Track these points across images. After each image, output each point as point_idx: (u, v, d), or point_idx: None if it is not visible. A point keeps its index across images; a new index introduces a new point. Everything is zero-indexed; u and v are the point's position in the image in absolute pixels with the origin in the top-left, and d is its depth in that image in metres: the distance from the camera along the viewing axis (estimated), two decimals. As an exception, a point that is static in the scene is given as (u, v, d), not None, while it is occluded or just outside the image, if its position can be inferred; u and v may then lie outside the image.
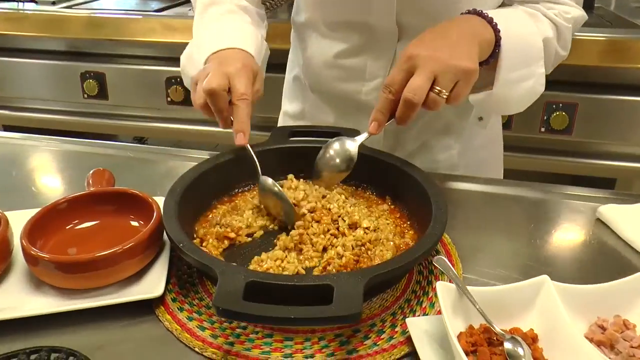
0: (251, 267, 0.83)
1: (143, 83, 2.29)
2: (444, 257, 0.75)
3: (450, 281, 0.72)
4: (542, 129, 1.95)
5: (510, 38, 0.93)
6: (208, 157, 1.01)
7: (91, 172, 1.00)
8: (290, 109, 1.35)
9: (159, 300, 0.80)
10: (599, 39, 1.80)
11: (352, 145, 0.94)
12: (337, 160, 0.95)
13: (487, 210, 1.06)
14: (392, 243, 0.86)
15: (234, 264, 0.84)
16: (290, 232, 0.87)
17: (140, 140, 3.48)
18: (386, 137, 1.20)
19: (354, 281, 0.68)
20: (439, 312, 0.75)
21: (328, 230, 0.87)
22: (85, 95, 2.34)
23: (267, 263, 0.82)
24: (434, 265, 0.86)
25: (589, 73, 1.88)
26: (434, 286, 0.83)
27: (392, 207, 0.97)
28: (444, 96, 0.85)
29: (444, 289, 0.69)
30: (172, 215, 0.82)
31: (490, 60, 0.94)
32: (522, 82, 0.98)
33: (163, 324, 0.77)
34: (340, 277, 0.69)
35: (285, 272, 0.81)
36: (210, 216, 0.95)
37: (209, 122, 2.38)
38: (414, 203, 0.94)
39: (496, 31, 0.92)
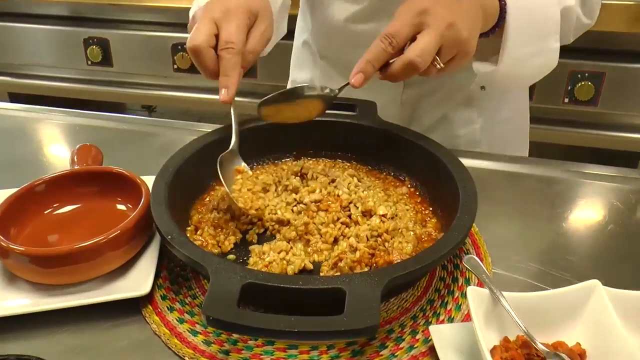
0: (251, 260, 0.73)
1: (148, 50, 2.19)
2: (474, 257, 0.64)
3: (480, 284, 0.62)
4: (566, 100, 1.84)
5: (520, 9, 0.82)
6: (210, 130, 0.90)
7: (76, 147, 0.90)
8: (299, 78, 1.24)
9: (147, 299, 0.70)
10: (629, 3, 1.66)
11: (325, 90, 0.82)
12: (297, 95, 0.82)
13: (513, 193, 0.95)
14: (412, 233, 0.75)
15: (231, 258, 0.74)
16: (293, 222, 0.77)
17: (149, 108, 3.40)
18: (403, 109, 1.09)
19: (369, 285, 0.57)
20: (467, 317, 0.65)
21: (338, 218, 0.76)
22: (89, 62, 2.26)
23: (269, 256, 0.72)
24: (459, 259, 0.76)
25: (617, 40, 1.74)
26: (459, 284, 0.72)
27: (412, 190, 0.86)
28: (438, 67, 0.75)
29: (475, 295, 0.58)
30: (161, 201, 0.72)
31: (496, 30, 0.82)
32: (532, 59, 0.87)
33: (150, 327, 0.67)
34: (354, 279, 0.58)
35: (290, 267, 0.71)
36: (207, 199, 0.85)
37: (217, 90, 2.29)
38: (437, 186, 0.83)
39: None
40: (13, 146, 1.11)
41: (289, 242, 0.75)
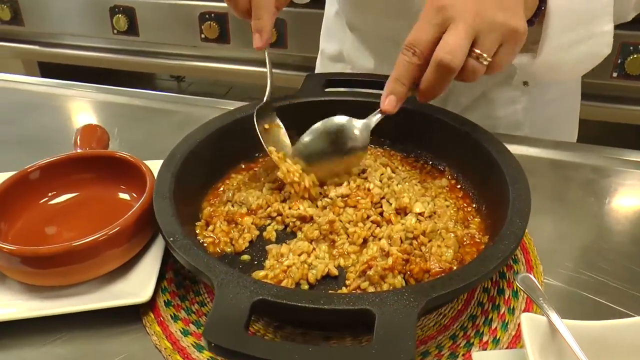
0: (267, 263, 0.64)
1: (175, 19, 2.12)
2: (530, 276, 0.54)
3: (530, 310, 0.52)
4: (615, 74, 1.71)
5: None
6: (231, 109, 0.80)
7: (79, 128, 0.81)
8: (328, 49, 1.13)
9: (149, 305, 0.62)
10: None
11: (358, 124, 0.72)
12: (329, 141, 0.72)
13: (562, 185, 0.83)
14: (452, 236, 0.65)
15: (245, 259, 0.66)
16: (316, 219, 0.68)
17: (178, 78, 3.33)
18: None
19: (404, 306, 0.48)
20: (516, 338, 0.55)
21: (368, 216, 0.67)
22: (115, 31, 2.20)
23: (288, 258, 0.63)
24: (506, 266, 0.66)
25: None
26: (506, 297, 0.63)
27: (453, 182, 0.76)
28: (485, 62, 0.62)
29: (530, 324, 0.48)
30: (164, 194, 0.63)
31: (535, 20, 0.70)
32: (578, 46, 0.74)
33: (151, 338, 0.59)
34: (385, 299, 0.49)
35: (312, 272, 0.62)
36: (222, 189, 0.76)
37: (247, 61, 2.23)
38: (482, 179, 0.72)
39: None
40: (20, 123, 1.04)
41: (311, 243, 0.66)
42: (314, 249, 0.65)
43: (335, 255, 0.65)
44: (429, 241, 0.64)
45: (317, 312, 0.49)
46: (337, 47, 1.10)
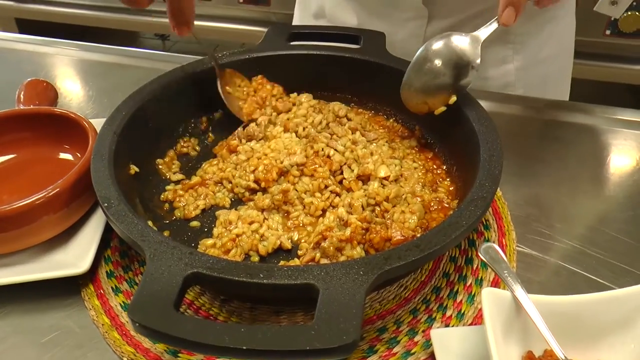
0: (215, 230, 0.59)
1: (155, -26, 2.06)
2: (494, 245, 0.48)
3: (499, 282, 0.47)
4: (608, 32, 1.67)
5: None
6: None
7: (24, 83, 0.75)
8: (307, 5, 1.05)
9: (88, 276, 0.57)
10: None
11: (466, 43, 0.63)
12: (442, 68, 0.63)
13: (549, 147, 0.77)
14: (418, 201, 0.60)
15: (194, 225, 0.61)
16: (269, 189, 0.62)
17: (162, 37, 3.24)
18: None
19: (351, 280, 0.43)
20: (480, 315, 0.51)
21: (326, 186, 0.62)
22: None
23: (237, 227, 0.58)
24: (475, 233, 0.61)
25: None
26: (474, 267, 0.58)
27: (423, 142, 0.71)
28: None
29: (493, 300, 0.44)
30: (103, 154, 0.58)
31: None
32: None
33: (88, 313, 0.55)
34: (331, 272, 0.44)
35: (263, 244, 0.57)
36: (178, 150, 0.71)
37: (230, 19, 2.16)
38: (453, 139, 0.67)
39: None
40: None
41: (262, 212, 0.61)
42: (265, 219, 0.60)
43: (290, 227, 0.60)
44: (393, 207, 0.59)
45: (255, 287, 0.44)
46: (317, 4, 1.02)
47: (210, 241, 0.58)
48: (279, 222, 0.59)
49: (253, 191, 0.63)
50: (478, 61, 0.62)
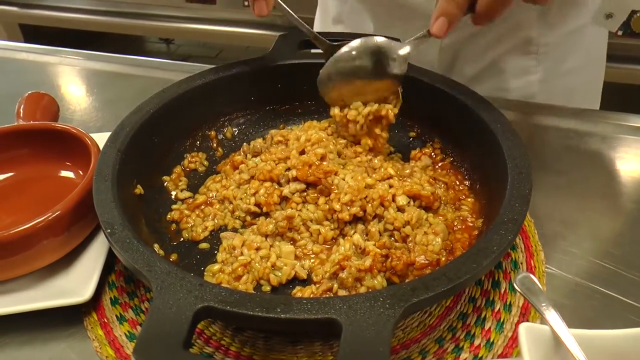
0: (219, 255, 0.56)
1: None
2: (530, 275, 0.45)
3: (529, 307, 0.44)
4: (620, 32, 1.66)
5: None
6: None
7: (24, 96, 0.72)
8: (327, 10, 1.01)
9: (91, 304, 0.54)
10: None
11: (397, 47, 0.61)
12: (366, 63, 0.62)
13: (571, 158, 0.73)
14: (441, 220, 0.57)
15: (204, 247, 0.58)
16: (272, 214, 0.59)
17: (167, 41, 3.23)
18: (442, 54, 0.86)
19: (376, 314, 0.40)
20: (510, 345, 0.47)
21: (334, 213, 0.57)
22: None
23: (244, 253, 0.55)
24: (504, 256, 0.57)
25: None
26: (502, 291, 0.54)
27: (441, 157, 0.67)
28: None
29: (530, 336, 0.40)
30: (106, 175, 0.54)
31: None
32: None
33: (91, 344, 0.51)
34: (354, 305, 0.40)
35: (277, 273, 0.53)
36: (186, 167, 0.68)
37: (235, 22, 2.14)
38: (474, 152, 0.63)
39: None
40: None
41: (266, 239, 0.57)
42: (271, 245, 0.56)
43: (299, 255, 0.56)
44: (414, 230, 0.55)
45: (272, 322, 0.41)
46: (336, 9, 0.99)
47: (216, 267, 0.54)
48: (290, 252, 0.55)
49: (255, 215, 0.60)
50: (400, 52, 0.61)
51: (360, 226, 0.56)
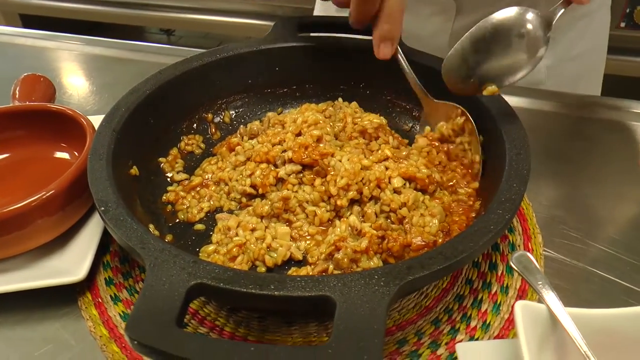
0: (215, 236, 0.56)
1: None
2: (527, 254, 0.44)
3: (526, 289, 0.43)
4: (622, 24, 1.66)
5: None
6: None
7: (20, 78, 0.71)
8: None
9: (85, 284, 0.54)
10: None
11: (534, 19, 0.55)
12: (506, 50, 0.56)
13: (574, 144, 0.73)
14: (438, 202, 0.56)
15: (199, 228, 0.57)
16: (268, 195, 0.58)
17: (167, 32, 3.22)
18: (452, 41, 0.85)
19: (371, 292, 0.39)
20: (507, 326, 0.47)
21: (330, 196, 0.57)
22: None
23: (239, 234, 0.54)
24: (502, 238, 0.57)
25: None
26: (499, 273, 0.54)
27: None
28: None
29: (526, 314, 0.40)
30: (101, 154, 0.54)
31: None
32: None
33: (85, 323, 0.51)
34: (349, 283, 0.40)
35: (272, 254, 0.53)
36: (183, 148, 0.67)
37: (236, 13, 2.13)
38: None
39: None
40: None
41: (261, 220, 0.57)
42: (266, 227, 0.56)
43: (295, 236, 0.55)
44: (411, 211, 0.55)
45: (266, 299, 0.40)
46: None
47: (211, 247, 0.54)
48: (286, 233, 0.55)
49: (250, 196, 0.59)
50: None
51: (356, 208, 0.55)
